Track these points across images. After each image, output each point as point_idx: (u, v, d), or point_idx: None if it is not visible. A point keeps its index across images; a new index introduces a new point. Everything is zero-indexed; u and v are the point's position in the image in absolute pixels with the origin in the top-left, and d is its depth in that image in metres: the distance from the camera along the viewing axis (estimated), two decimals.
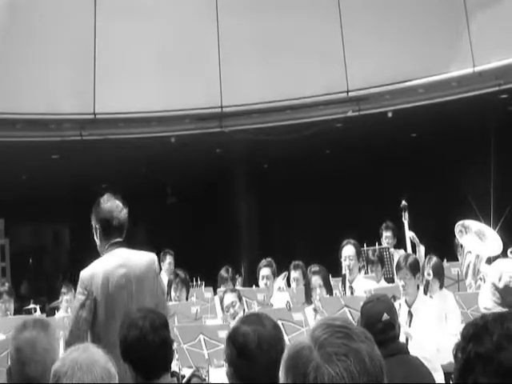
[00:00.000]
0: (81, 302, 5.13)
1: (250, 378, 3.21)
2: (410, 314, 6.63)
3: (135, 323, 3.99)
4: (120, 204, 5.39)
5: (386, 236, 10.49)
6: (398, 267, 6.85)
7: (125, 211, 5.39)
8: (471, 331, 1.98)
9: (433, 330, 6.44)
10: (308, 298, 7.61)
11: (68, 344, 5.11)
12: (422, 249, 10.01)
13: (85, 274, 5.20)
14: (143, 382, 3.94)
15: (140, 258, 5.35)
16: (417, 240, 10.07)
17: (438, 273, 7.68)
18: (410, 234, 9.95)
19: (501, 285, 4.99)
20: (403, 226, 9.97)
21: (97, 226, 5.36)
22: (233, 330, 3.32)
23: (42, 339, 3.67)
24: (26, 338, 3.67)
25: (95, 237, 5.42)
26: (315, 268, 7.69)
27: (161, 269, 9.92)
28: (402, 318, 6.38)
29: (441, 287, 7.70)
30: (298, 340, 1.89)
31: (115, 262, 5.23)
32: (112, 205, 5.36)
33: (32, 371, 3.60)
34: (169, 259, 11.31)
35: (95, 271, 5.19)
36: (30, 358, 3.62)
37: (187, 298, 8.62)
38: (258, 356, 3.19)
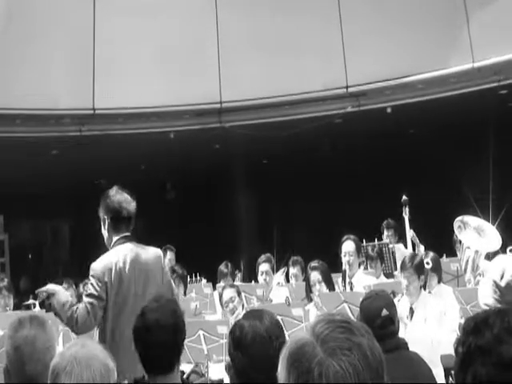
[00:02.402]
0: (96, 293, 5.17)
1: (244, 371, 3.23)
2: (412, 311, 6.66)
3: (144, 318, 3.95)
4: (128, 197, 5.44)
5: (388, 235, 10.48)
6: (404, 267, 6.85)
7: (133, 204, 5.44)
8: (472, 325, 2.00)
9: (433, 325, 6.46)
10: (308, 295, 7.59)
11: (77, 331, 5.19)
12: (421, 249, 10.01)
13: (97, 265, 5.26)
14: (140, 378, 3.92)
15: (148, 254, 5.40)
16: (417, 240, 10.07)
17: (436, 267, 7.71)
18: (410, 234, 9.93)
19: (502, 283, 4.98)
20: (404, 222, 9.96)
21: (105, 217, 5.40)
22: (234, 324, 3.38)
23: (41, 337, 3.64)
24: (24, 337, 3.63)
25: (103, 229, 5.46)
26: (314, 264, 7.65)
27: None
28: (403, 312, 6.41)
29: (439, 282, 7.72)
30: (297, 336, 1.88)
31: (125, 257, 5.28)
32: (121, 197, 5.42)
33: (32, 370, 3.56)
34: (169, 255, 11.27)
35: (108, 263, 5.24)
36: (29, 357, 3.58)
37: (185, 294, 8.63)
38: (252, 349, 3.22)
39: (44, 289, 5.36)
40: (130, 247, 5.35)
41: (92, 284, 5.20)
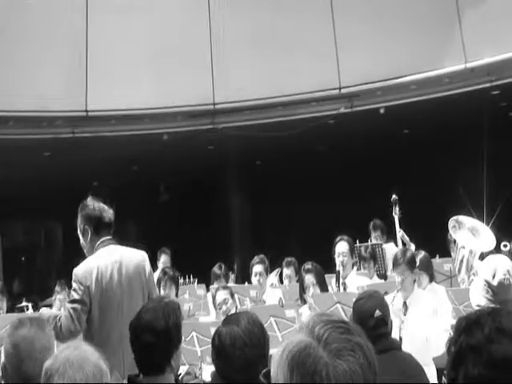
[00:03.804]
0: (79, 298, 5.17)
1: (228, 376, 3.25)
2: (405, 305, 6.65)
3: (138, 317, 3.94)
4: (104, 203, 5.48)
5: (376, 236, 10.49)
6: (396, 263, 6.84)
7: (111, 211, 5.48)
8: (463, 324, 2.02)
9: (426, 322, 6.46)
10: (302, 297, 7.58)
11: (63, 338, 5.17)
12: (413, 247, 10.01)
13: (79, 270, 5.27)
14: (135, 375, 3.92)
15: (131, 255, 5.41)
16: (407, 239, 10.07)
17: (427, 267, 7.69)
18: (399, 234, 9.94)
19: (495, 282, 4.99)
20: (394, 221, 9.97)
21: (86, 227, 5.40)
22: (214, 333, 3.37)
23: (40, 337, 3.66)
24: (23, 336, 3.64)
25: (83, 239, 5.46)
26: (308, 266, 7.63)
27: (157, 267, 9.95)
28: (397, 307, 6.39)
29: (430, 281, 7.72)
30: (295, 338, 1.86)
31: (109, 258, 5.29)
32: (99, 204, 5.46)
33: (30, 368, 3.57)
34: (163, 258, 11.22)
35: (89, 267, 5.25)
36: (27, 355, 3.59)
37: (177, 296, 8.62)
38: (233, 354, 3.24)
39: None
40: (113, 249, 5.37)
41: (74, 289, 5.24)
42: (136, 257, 5.43)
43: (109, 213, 5.47)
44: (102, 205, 5.48)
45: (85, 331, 5.27)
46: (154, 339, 3.82)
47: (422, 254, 7.84)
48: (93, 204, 5.46)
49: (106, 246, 5.37)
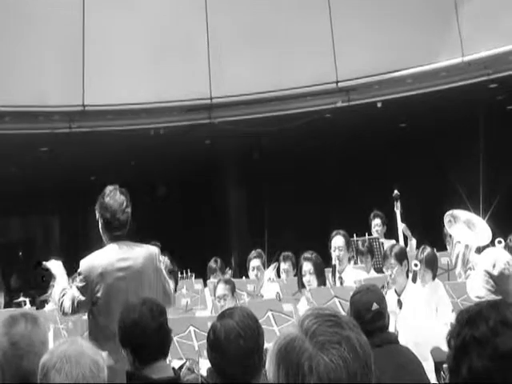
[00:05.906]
0: (80, 287, 5.23)
1: (224, 370, 3.26)
2: (400, 303, 6.64)
3: (133, 308, 4.02)
4: (124, 202, 5.43)
5: (375, 224, 10.46)
6: (385, 257, 6.88)
7: (128, 210, 5.43)
8: (466, 317, 2.02)
9: (421, 316, 6.46)
10: (300, 287, 7.58)
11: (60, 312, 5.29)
12: (413, 242, 10.00)
13: (85, 263, 5.34)
14: (138, 367, 3.96)
15: (140, 252, 5.42)
16: (409, 233, 10.05)
17: (431, 264, 7.66)
18: (402, 227, 9.92)
19: (495, 272, 4.97)
20: (395, 216, 9.96)
21: (99, 218, 5.44)
22: (209, 329, 3.43)
23: (36, 332, 3.64)
24: (20, 333, 3.60)
25: (99, 226, 5.51)
26: (307, 255, 7.64)
27: None
28: (392, 306, 6.38)
29: (433, 278, 7.69)
30: (286, 331, 1.88)
31: (116, 254, 5.32)
32: (115, 203, 5.41)
33: (30, 364, 3.53)
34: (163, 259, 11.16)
35: (96, 261, 5.30)
36: (27, 351, 3.56)
37: (175, 290, 8.62)
38: (228, 348, 3.26)
39: (49, 265, 5.58)
40: (120, 246, 5.37)
41: (80, 279, 5.33)
42: (145, 253, 5.44)
43: (122, 215, 5.40)
44: (117, 203, 5.40)
45: (91, 327, 5.32)
46: (159, 319, 4.00)
47: (427, 250, 7.75)
48: (108, 199, 5.41)
49: (115, 242, 5.39)
